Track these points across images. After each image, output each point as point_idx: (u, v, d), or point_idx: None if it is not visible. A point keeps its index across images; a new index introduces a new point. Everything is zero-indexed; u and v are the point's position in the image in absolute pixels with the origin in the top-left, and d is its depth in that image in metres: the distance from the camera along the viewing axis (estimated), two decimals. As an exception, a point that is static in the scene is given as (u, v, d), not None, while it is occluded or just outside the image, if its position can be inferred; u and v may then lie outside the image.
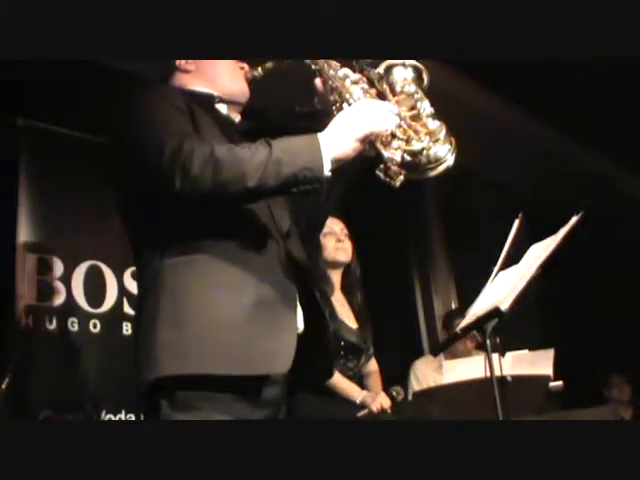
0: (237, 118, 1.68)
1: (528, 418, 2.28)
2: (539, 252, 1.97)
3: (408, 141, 1.43)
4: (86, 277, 3.07)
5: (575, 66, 3.04)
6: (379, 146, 1.41)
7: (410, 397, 3.16)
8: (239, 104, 1.67)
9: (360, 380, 2.95)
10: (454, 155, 1.45)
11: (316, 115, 1.64)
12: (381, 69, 1.57)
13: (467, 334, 2.12)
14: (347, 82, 1.52)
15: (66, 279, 3.01)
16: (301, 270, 1.54)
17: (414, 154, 1.42)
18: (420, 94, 1.53)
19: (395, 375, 3.57)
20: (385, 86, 1.55)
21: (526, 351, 2.55)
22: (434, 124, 1.47)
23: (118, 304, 3.13)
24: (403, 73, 1.58)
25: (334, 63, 1.57)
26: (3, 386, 2.63)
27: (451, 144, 1.45)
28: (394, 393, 2.79)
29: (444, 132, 1.46)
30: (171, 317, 1.35)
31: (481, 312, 1.94)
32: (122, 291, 3.14)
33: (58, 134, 3.15)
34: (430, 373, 3.51)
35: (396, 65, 1.58)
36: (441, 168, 1.45)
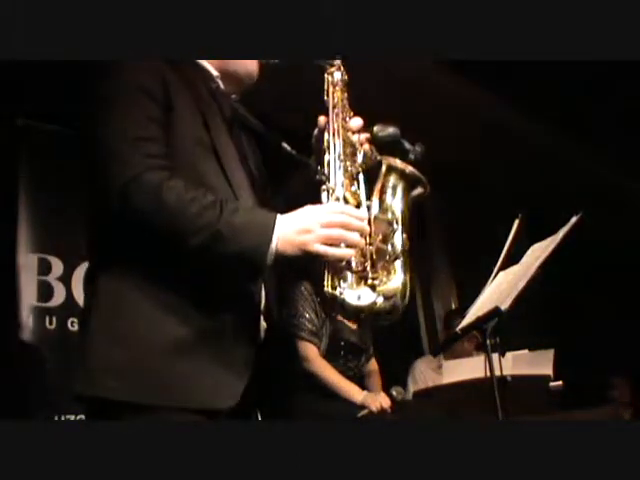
0: (234, 96, 1.57)
1: (528, 418, 2.28)
2: (539, 252, 1.97)
3: (361, 281, 1.29)
4: (86, 277, 3.07)
5: (575, 66, 3.04)
6: (327, 273, 1.28)
7: (409, 397, 3.16)
8: (242, 84, 1.56)
9: (360, 380, 2.96)
10: (395, 313, 1.32)
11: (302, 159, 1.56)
12: (383, 165, 1.46)
13: (467, 334, 2.12)
14: (337, 153, 1.40)
15: (66, 279, 3.01)
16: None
17: (356, 308, 1.28)
18: (398, 226, 1.40)
19: (395, 375, 3.57)
20: (378, 185, 1.44)
21: (526, 351, 2.55)
22: (397, 280, 1.33)
23: (118, 304, 3.13)
24: (397, 182, 1.45)
25: (348, 120, 1.48)
26: (3, 386, 2.63)
27: (403, 299, 1.33)
28: (394, 393, 2.79)
29: (402, 289, 1.33)
30: (110, 331, 1.24)
31: (481, 312, 1.94)
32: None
33: (58, 134, 3.15)
34: (429, 373, 3.51)
35: (396, 169, 1.45)
36: (381, 322, 1.34)
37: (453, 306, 4.78)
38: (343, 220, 1.26)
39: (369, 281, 1.29)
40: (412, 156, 1.49)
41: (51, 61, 1.53)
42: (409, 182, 1.45)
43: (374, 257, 1.32)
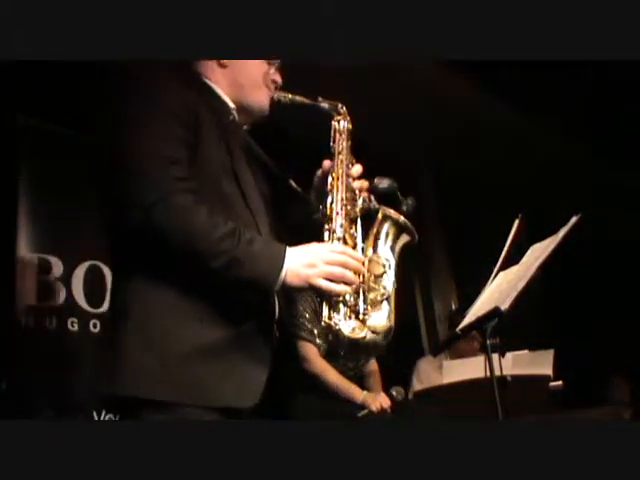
0: (245, 127, 1.67)
1: (528, 418, 2.28)
2: (539, 252, 1.97)
3: (353, 314, 1.43)
4: (86, 277, 3.07)
5: (575, 66, 3.04)
6: (324, 303, 1.41)
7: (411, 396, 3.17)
8: (253, 116, 1.66)
9: (360, 380, 2.96)
10: (384, 342, 1.47)
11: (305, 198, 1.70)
12: (379, 213, 1.59)
13: (467, 334, 2.12)
14: (340, 197, 1.54)
15: (66, 279, 3.01)
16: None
17: (348, 338, 1.41)
18: (390, 269, 1.54)
19: (395, 375, 3.57)
20: (374, 230, 1.58)
21: (526, 351, 2.55)
22: (384, 319, 1.48)
23: (118, 304, 3.13)
24: (390, 230, 1.59)
25: (351, 167, 1.60)
26: (3, 386, 2.63)
27: (386, 336, 1.47)
28: (394, 393, 2.79)
29: (388, 328, 1.47)
30: (141, 339, 1.33)
31: (481, 312, 1.94)
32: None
33: (58, 134, 3.14)
34: (433, 372, 3.51)
35: (390, 217, 1.60)
36: (364, 356, 1.49)
37: (453, 306, 4.77)
38: (344, 259, 1.40)
39: (360, 316, 1.44)
40: (405, 208, 1.68)
41: (51, 61, 1.53)
42: (401, 230, 1.61)
43: (366, 295, 1.47)
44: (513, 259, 2.09)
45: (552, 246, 1.92)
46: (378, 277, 1.52)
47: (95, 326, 3.04)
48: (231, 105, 1.61)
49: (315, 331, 2.80)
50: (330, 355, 2.83)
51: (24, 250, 2.92)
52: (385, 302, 1.50)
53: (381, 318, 1.48)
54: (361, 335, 1.42)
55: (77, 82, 3.08)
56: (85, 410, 2.83)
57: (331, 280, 1.38)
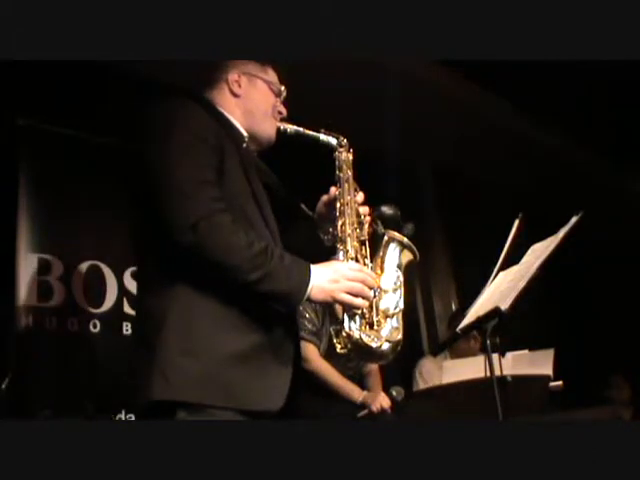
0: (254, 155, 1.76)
1: (528, 418, 2.28)
2: (539, 252, 1.97)
3: (367, 326, 1.58)
4: (86, 277, 3.07)
5: (575, 66, 3.04)
6: (345, 315, 1.56)
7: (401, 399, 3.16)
8: (262, 145, 1.76)
9: (360, 380, 2.96)
10: (395, 352, 1.61)
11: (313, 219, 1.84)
12: (385, 236, 1.74)
13: (467, 334, 2.12)
14: (350, 220, 1.68)
15: (66, 279, 3.01)
16: None
17: (367, 347, 1.56)
18: (399, 287, 1.68)
19: (395, 375, 3.57)
20: (380, 252, 1.71)
21: (526, 351, 2.55)
22: (394, 329, 1.61)
23: (118, 304, 3.13)
24: (396, 251, 1.74)
25: (356, 194, 1.74)
26: (3, 386, 2.63)
27: (395, 348, 1.61)
28: (394, 393, 2.79)
29: (397, 340, 1.61)
30: (184, 344, 1.43)
31: (481, 312, 1.94)
32: (122, 291, 3.13)
33: (58, 134, 3.14)
34: (435, 371, 3.51)
35: (395, 239, 1.74)
36: (378, 362, 1.56)
37: (453, 306, 4.77)
38: (362, 277, 1.55)
39: (375, 327, 1.59)
40: (405, 232, 1.80)
41: (51, 61, 1.53)
42: (404, 250, 1.75)
43: (379, 308, 1.61)
44: (513, 259, 2.09)
45: (552, 246, 1.92)
46: (387, 292, 1.66)
47: (95, 326, 3.04)
48: (244, 133, 1.71)
49: (315, 331, 2.81)
50: (330, 355, 2.83)
51: (24, 250, 2.91)
52: (396, 316, 1.64)
53: (393, 329, 1.61)
54: (378, 344, 1.56)
55: (77, 82, 3.08)
56: (85, 410, 2.83)
57: (351, 294, 1.52)
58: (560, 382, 2.51)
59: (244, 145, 1.67)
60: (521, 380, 2.26)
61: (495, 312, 1.85)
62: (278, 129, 1.76)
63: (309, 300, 1.51)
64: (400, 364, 3.66)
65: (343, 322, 1.56)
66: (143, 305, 1.54)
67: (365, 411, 2.70)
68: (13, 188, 2.92)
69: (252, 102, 1.70)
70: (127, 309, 3.12)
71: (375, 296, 1.61)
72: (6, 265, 2.84)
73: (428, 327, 4.74)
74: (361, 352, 1.58)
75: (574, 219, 1.93)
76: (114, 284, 3.14)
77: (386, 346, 1.58)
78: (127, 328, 3.09)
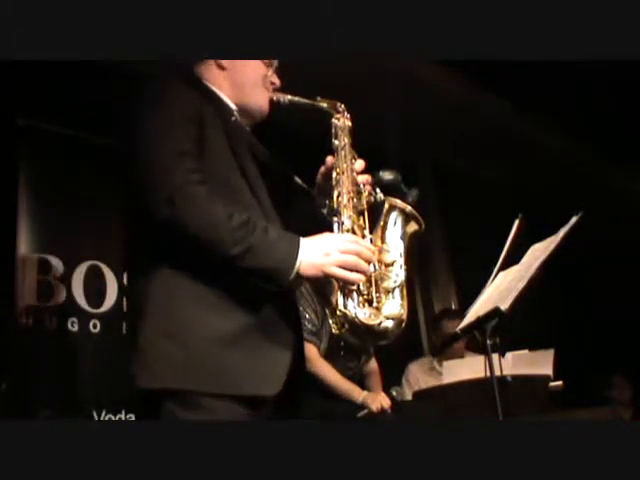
0: (247, 128, 1.70)
1: (528, 418, 2.28)
2: (539, 252, 1.97)
3: (366, 303, 1.46)
4: (86, 277, 3.07)
5: (575, 66, 3.04)
6: (338, 292, 1.44)
7: (405, 398, 3.17)
8: (254, 118, 1.70)
9: (360, 380, 2.96)
10: (397, 330, 1.48)
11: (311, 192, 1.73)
12: (386, 204, 1.62)
13: (467, 334, 2.12)
14: (346, 190, 1.56)
15: (66, 279, 3.01)
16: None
17: (364, 325, 1.43)
18: (400, 258, 1.56)
19: (395, 375, 3.57)
20: (381, 221, 1.61)
21: (526, 351, 2.55)
22: (397, 306, 1.50)
23: (118, 304, 3.13)
24: (397, 219, 1.62)
25: (354, 161, 1.63)
26: (3, 386, 2.63)
27: (400, 324, 1.48)
28: (394, 393, 2.79)
29: (401, 315, 1.49)
30: (165, 328, 1.36)
31: (481, 312, 1.94)
32: (122, 291, 3.14)
33: (58, 134, 3.15)
34: (421, 376, 3.52)
35: (397, 207, 1.62)
36: (379, 342, 1.50)
37: (453, 306, 4.77)
38: (357, 248, 1.41)
39: (374, 304, 1.47)
40: (409, 198, 1.69)
41: (51, 61, 1.53)
42: (408, 219, 1.63)
43: (378, 283, 1.50)
44: (513, 259, 2.09)
45: (552, 246, 1.92)
46: (389, 266, 1.54)
47: (95, 326, 3.04)
48: (233, 107, 1.65)
49: (315, 331, 2.81)
50: (330, 355, 2.83)
51: (24, 250, 2.92)
52: (397, 290, 1.52)
53: (394, 306, 1.50)
54: (377, 322, 1.44)
55: (77, 82, 3.08)
56: (85, 410, 2.83)
57: (345, 269, 1.39)
58: (560, 382, 2.51)
59: (233, 118, 1.62)
60: (521, 380, 2.26)
61: (495, 312, 1.86)
62: (271, 100, 1.69)
63: (299, 277, 1.38)
64: (400, 364, 3.69)
65: (337, 300, 1.44)
66: (129, 292, 1.49)
67: (365, 411, 2.70)
68: (13, 188, 2.93)
69: (240, 74, 1.65)
70: (127, 309, 3.12)
71: (375, 270, 1.50)
72: (6, 265, 2.85)
73: (428, 327, 4.74)
74: (359, 332, 1.46)
75: (574, 219, 1.93)
76: (114, 284, 3.14)
77: (386, 323, 1.46)
78: (127, 328, 3.09)
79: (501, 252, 2.13)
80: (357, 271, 1.40)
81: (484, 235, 4.41)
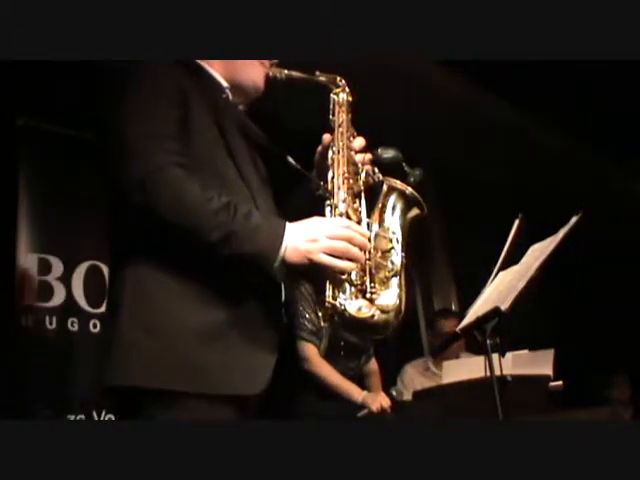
0: (241, 107, 1.62)
1: (528, 418, 2.27)
2: (539, 252, 1.97)
3: (359, 294, 1.33)
4: (86, 277, 3.08)
5: (575, 66, 3.04)
6: (328, 284, 1.31)
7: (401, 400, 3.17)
8: (249, 96, 1.61)
9: (360, 380, 2.96)
10: (394, 322, 1.36)
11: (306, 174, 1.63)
12: (384, 185, 1.50)
13: (467, 334, 2.12)
14: (341, 170, 1.45)
15: (66, 279, 3.01)
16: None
17: (355, 318, 1.31)
18: (397, 244, 1.43)
19: (395, 375, 3.57)
20: (379, 204, 1.48)
21: (526, 351, 2.55)
22: (393, 297, 1.37)
23: (118, 304, 3.13)
24: (397, 202, 1.49)
25: (352, 139, 1.53)
26: (3, 386, 2.63)
27: (397, 315, 1.36)
28: (394, 393, 2.79)
29: (398, 306, 1.37)
30: (141, 323, 1.27)
31: (481, 312, 1.94)
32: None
33: (58, 134, 3.15)
34: (416, 377, 3.53)
35: (396, 189, 1.50)
36: (374, 336, 1.39)
37: (453, 306, 4.78)
38: (348, 234, 1.30)
39: (367, 295, 1.34)
40: (412, 179, 1.58)
41: (51, 61, 1.53)
42: (408, 203, 1.50)
43: (373, 272, 1.37)
44: (513, 259, 2.09)
45: (552, 246, 1.92)
46: (386, 253, 1.41)
47: (95, 326, 3.04)
48: (224, 84, 1.57)
49: (315, 331, 2.81)
50: (330, 355, 2.83)
51: (24, 250, 2.92)
52: (394, 279, 1.40)
53: (391, 296, 1.37)
54: (369, 314, 1.32)
55: (77, 82, 3.09)
56: (85, 410, 2.83)
57: (334, 256, 1.28)
58: (560, 382, 2.50)
59: (224, 96, 1.54)
60: (521, 380, 2.26)
61: (495, 312, 1.86)
62: (267, 76, 1.59)
63: (285, 264, 1.26)
64: (400, 364, 3.69)
65: (325, 290, 1.30)
66: (108, 286, 1.38)
67: (365, 411, 2.70)
68: (13, 188, 2.93)
69: None
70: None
71: (369, 258, 1.37)
72: (6, 265, 2.85)
73: (428, 327, 4.74)
74: (350, 325, 1.33)
75: (574, 219, 1.93)
76: (114, 284, 3.14)
77: (380, 316, 1.33)
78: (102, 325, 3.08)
79: (501, 252, 2.13)
80: (347, 259, 1.29)
81: (484, 235, 4.41)
